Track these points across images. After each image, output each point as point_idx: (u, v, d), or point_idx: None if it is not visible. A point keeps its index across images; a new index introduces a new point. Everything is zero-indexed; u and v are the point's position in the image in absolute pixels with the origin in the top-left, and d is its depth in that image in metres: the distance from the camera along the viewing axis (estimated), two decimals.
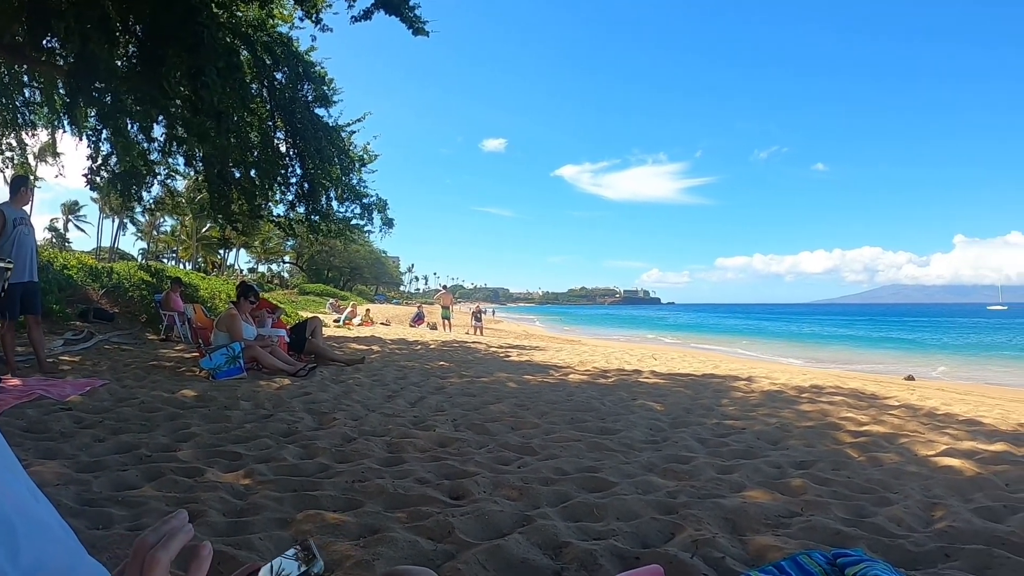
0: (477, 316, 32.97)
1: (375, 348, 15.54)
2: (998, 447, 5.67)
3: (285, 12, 14.07)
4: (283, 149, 15.50)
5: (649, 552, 2.83)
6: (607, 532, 3.12)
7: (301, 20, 13.86)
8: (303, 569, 1.03)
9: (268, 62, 13.74)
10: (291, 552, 1.07)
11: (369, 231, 18.83)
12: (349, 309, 31.70)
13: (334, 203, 17.01)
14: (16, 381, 7.12)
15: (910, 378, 18.89)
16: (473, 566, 2.60)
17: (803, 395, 9.15)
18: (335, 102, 15.70)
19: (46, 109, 16.16)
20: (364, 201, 16.96)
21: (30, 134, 17.17)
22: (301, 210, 16.37)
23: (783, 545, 3.02)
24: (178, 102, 12.64)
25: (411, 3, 11.96)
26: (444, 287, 39.76)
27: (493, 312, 77.62)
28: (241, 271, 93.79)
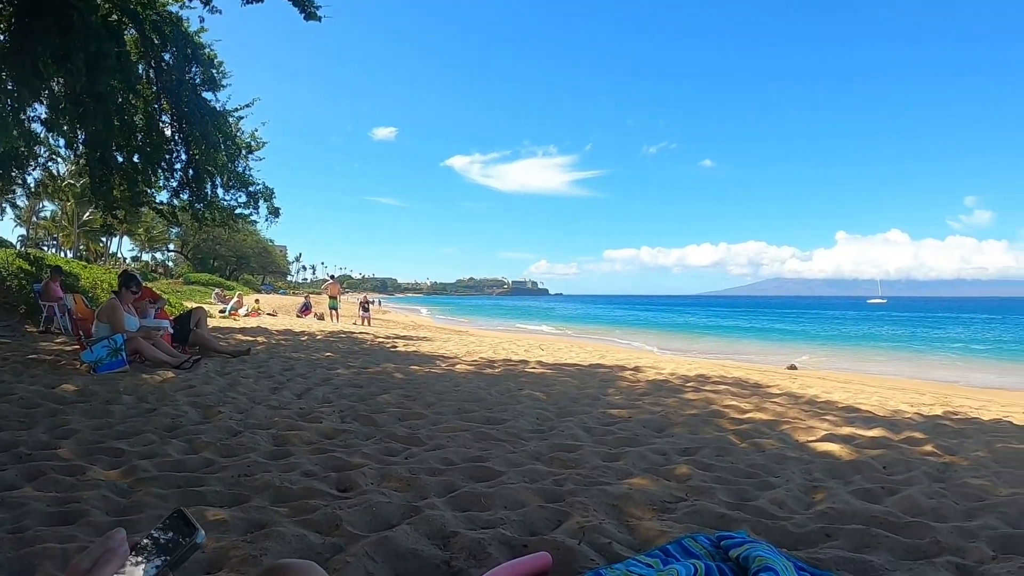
0: (364, 306, 39.55)
1: (261, 339, 18.27)
2: (876, 432, 7.31)
3: None
4: (168, 134, 17.94)
5: (537, 539, 3.56)
6: (495, 521, 3.86)
7: (191, 0, 16.14)
8: (185, 540, 1.21)
9: (156, 42, 15.89)
10: (166, 522, 1.25)
11: (255, 220, 22.13)
12: (235, 299, 36.98)
13: (219, 190, 19.77)
14: None
15: (792, 367, 24.39)
16: (361, 558, 3.22)
17: (688, 384, 11.28)
18: (224, 86, 18.16)
19: None
20: (250, 189, 20.18)
21: None
22: (185, 197, 19.06)
23: (668, 529, 3.79)
24: (60, 80, 14.46)
25: None
26: (332, 277, 47.74)
27: (379, 302, 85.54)
28: (124, 260, 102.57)
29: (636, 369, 14.05)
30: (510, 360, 15.05)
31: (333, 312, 37.53)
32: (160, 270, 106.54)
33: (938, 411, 9.75)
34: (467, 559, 3.35)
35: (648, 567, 3.27)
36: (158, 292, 17.74)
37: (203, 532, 1.23)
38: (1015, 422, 9.13)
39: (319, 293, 63.42)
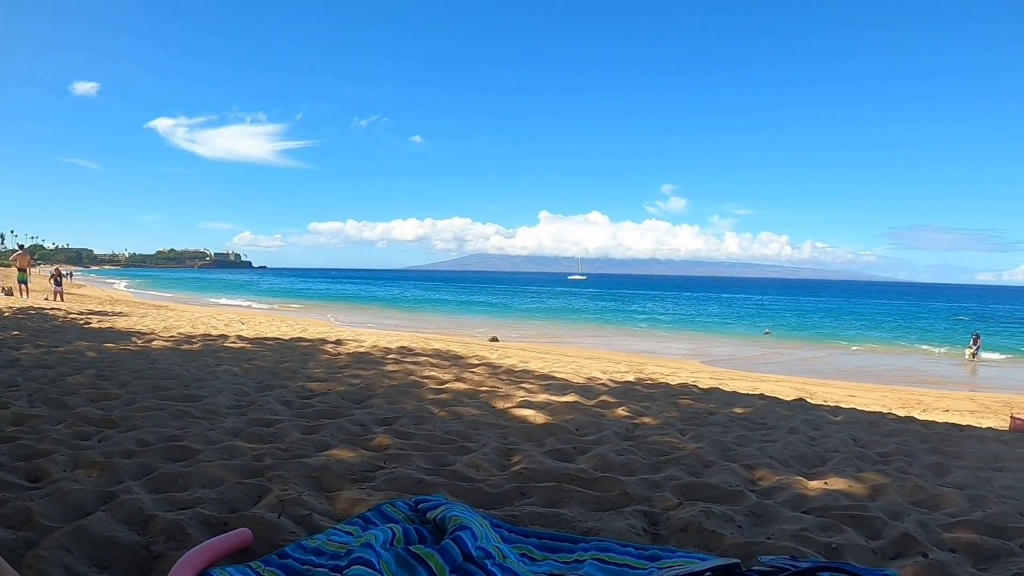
0: (57, 279, 37.24)
1: None
2: (570, 398, 7.97)
3: None
4: None
5: (237, 516, 3.52)
6: (193, 501, 3.77)
7: None
8: None
9: None
10: None
11: None
12: None
13: None
14: None
15: (494, 339, 25.86)
16: (57, 551, 3.03)
17: (389, 356, 11.57)
18: None
19: None
20: None
21: None
22: None
23: (367, 497, 3.91)
24: None
25: None
26: (21, 247, 43.08)
27: (72, 275, 79.89)
28: None
29: (338, 342, 14.23)
30: (209, 335, 14.80)
31: (22, 286, 34.79)
32: None
33: (631, 378, 10.71)
34: (166, 542, 3.25)
35: (348, 535, 3.38)
36: None
37: None
38: (700, 386, 10.18)
39: (7, 265, 58.16)
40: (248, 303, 55.94)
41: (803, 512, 4.26)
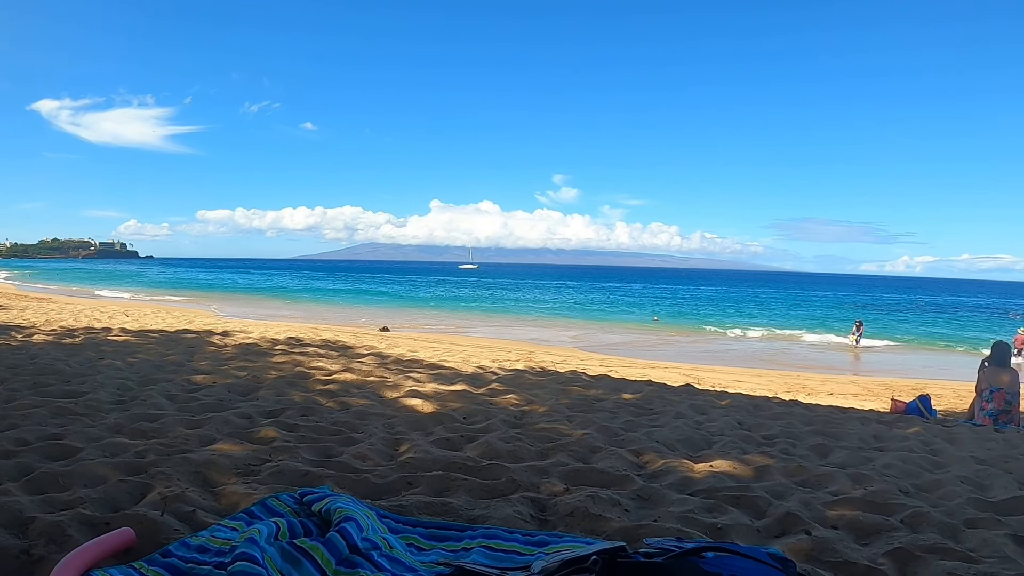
0: None
1: None
2: (458, 387, 8.03)
3: None
4: None
5: (119, 515, 3.42)
6: (75, 501, 3.64)
7: None
8: None
9: None
10: None
11: None
12: None
13: None
14: None
15: (385, 329, 25.66)
16: None
17: (277, 347, 11.48)
18: None
19: None
20: None
21: None
22: None
23: (253, 492, 3.85)
24: None
25: None
26: None
27: None
28: None
29: (224, 333, 14.06)
30: (92, 328, 14.47)
31: None
32: None
33: (520, 366, 10.78)
34: (46, 545, 3.13)
35: (232, 530, 3.32)
36: None
37: None
38: (589, 374, 10.31)
39: None
40: (133, 294, 54.29)
41: (689, 494, 4.38)
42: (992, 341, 10.30)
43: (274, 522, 3.29)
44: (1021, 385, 9.54)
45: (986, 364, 9.72)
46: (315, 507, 3.55)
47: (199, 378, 8.02)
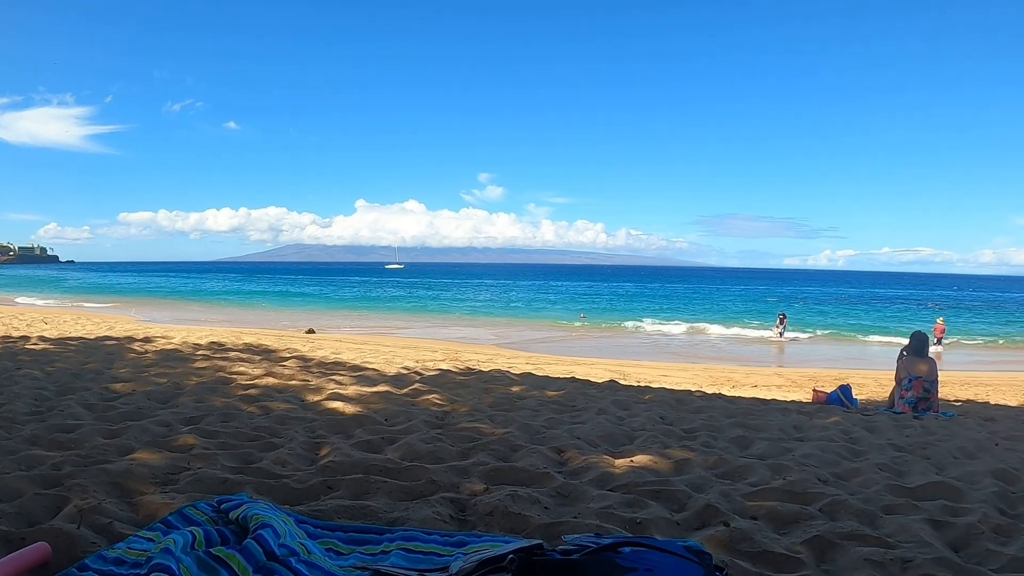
0: None
1: None
2: (381, 388, 8.03)
3: None
4: None
5: (35, 530, 3.33)
6: None
7: None
8: None
9: None
10: None
11: None
12: None
13: None
14: None
15: (311, 331, 25.55)
16: None
17: (199, 352, 11.28)
18: None
19: None
20: None
21: None
22: None
23: (171, 501, 3.80)
24: None
25: None
26: None
27: None
28: None
29: (146, 339, 13.82)
30: (9, 337, 14.07)
31: None
32: None
33: (444, 366, 10.79)
34: None
35: (149, 541, 3.27)
36: None
37: None
38: (513, 372, 10.36)
39: None
40: (53, 301, 52.58)
41: (609, 490, 4.44)
42: (911, 331, 10.59)
43: (190, 531, 3.24)
44: (939, 373, 9.81)
45: (904, 354, 9.99)
46: (232, 515, 3.50)
47: (118, 386, 7.84)
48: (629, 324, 40.76)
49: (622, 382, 10.68)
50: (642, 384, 10.82)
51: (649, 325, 40.43)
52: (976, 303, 76.29)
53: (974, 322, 50.16)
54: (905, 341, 10.40)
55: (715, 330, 38.42)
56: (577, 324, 40.84)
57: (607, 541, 3.05)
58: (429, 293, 75.59)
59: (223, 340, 14.23)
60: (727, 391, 11.16)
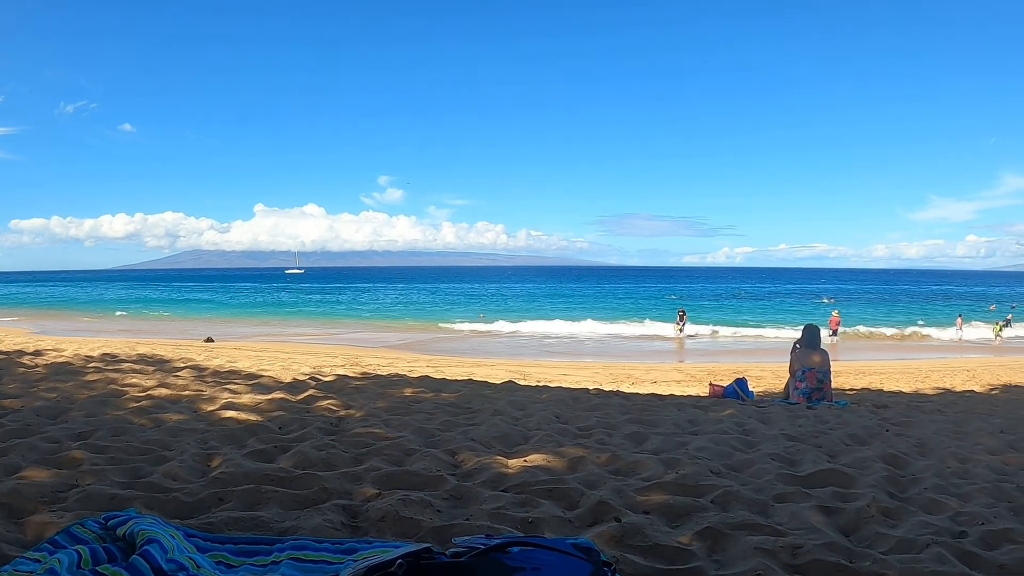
0: None
1: None
2: (276, 396, 7.94)
3: None
4: None
5: None
6: None
7: None
8: None
9: None
10: None
11: None
12: None
13: None
14: None
15: (210, 340, 24.97)
16: None
17: (91, 365, 10.93)
18: None
19: None
20: None
21: None
22: None
23: (59, 520, 3.70)
24: None
25: None
26: None
27: None
28: None
29: (36, 353, 13.35)
30: None
31: None
32: None
33: (342, 371, 10.70)
34: None
35: (36, 562, 3.17)
36: None
37: None
38: (411, 375, 10.33)
39: None
40: None
41: (502, 491, 4.49)
42: (804, 324, 10.91)
43: (76, 550, 3.18)
44: (833, 363, 10.12)
45: (798, 346, 10.28)
46: (120, 531, 3.43)
47: (6, 402, 7.53)
48: (528, 324, 41.12)
49: (521, 382, 10.78)
50: (541, 384, 10.93)
51: (550, 324, 40.83)
52: (869, 295, 79.26)
53: (867, 313, 52.08)
54: (799, 334, 10.70)
55: (615, 328, 39.05)
56: (477, 325, 41.05)
57: (496, 542, 3.07)
58: (330, 298, 74.99)
59: (117, 351, 13.80)
60: (626, 388, 11.35)
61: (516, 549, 2.97)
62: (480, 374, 12.05)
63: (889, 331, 39.40)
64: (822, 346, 10.53)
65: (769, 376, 14.75)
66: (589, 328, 39.07)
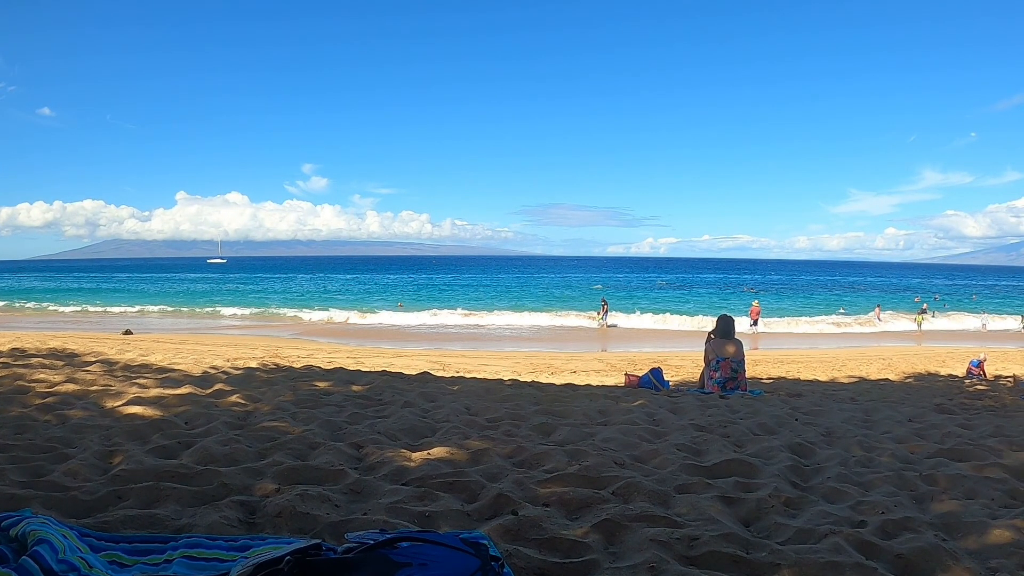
0: None
1: None
2: (184, 390, 7.82)
3: None
4: None
5: None
6: None
7: None
8: None
9: None
10: None
11: None
12: None
13: None
14: None
15: (128, 332, 24.59)
16: None
17: None
18: None
19: None
20: None
21: None
22: None
23: None
24: None
25: None
26: None
27: None
28: None
29: None
30: None
31: None
32: None
33: (255, 363, 10.55)
34: None
35: None
36: None
37: None
38: (324, 367, 10.28)
39: None
40: None
41: (403, 484, 4.47)
42: (718, 315, 11.10)
43: None
44: (752, 352, 10.33)
45: (712, 336, 10.44)
46: (12, 532, 3.37)
47: None
48: (450, 313, 41.25)
49: (436, 373, 10.79)
50: (460, 374, 10.93)
51: (472, 314, 40.96)
52: (790, 286, 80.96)
53: (787, 303, 53.26)
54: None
55: (538, 318, 39.34)
56: (399, 314, 41.07)
57: (386, 537, 3.09)
58: (252, 288, 74.14)
59: (26, 346, 13.35)
60: (545, 378, 11.43)
61: (406, 544, 2.99)
62: (400, 364, 12.04)
63: (809, 320, 40.34)
64: (741, 335, 10.72)
65: (689, 365, 15.02)
66: (511, 318, 39.27)
